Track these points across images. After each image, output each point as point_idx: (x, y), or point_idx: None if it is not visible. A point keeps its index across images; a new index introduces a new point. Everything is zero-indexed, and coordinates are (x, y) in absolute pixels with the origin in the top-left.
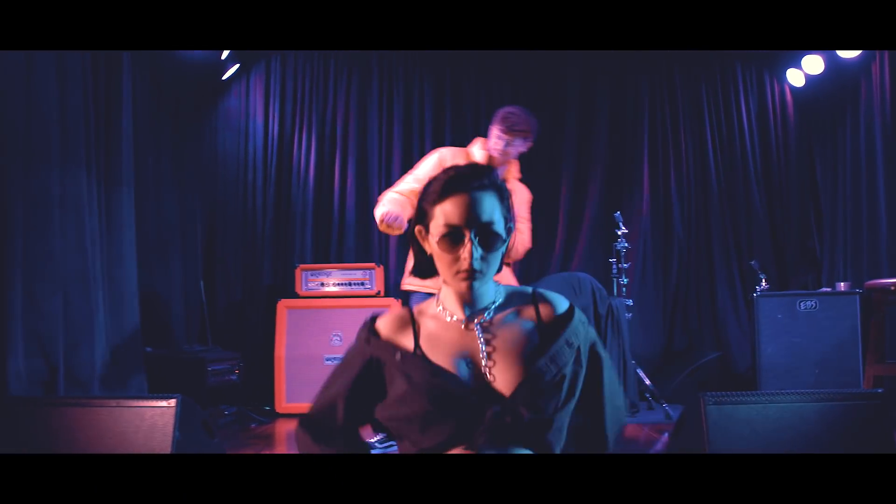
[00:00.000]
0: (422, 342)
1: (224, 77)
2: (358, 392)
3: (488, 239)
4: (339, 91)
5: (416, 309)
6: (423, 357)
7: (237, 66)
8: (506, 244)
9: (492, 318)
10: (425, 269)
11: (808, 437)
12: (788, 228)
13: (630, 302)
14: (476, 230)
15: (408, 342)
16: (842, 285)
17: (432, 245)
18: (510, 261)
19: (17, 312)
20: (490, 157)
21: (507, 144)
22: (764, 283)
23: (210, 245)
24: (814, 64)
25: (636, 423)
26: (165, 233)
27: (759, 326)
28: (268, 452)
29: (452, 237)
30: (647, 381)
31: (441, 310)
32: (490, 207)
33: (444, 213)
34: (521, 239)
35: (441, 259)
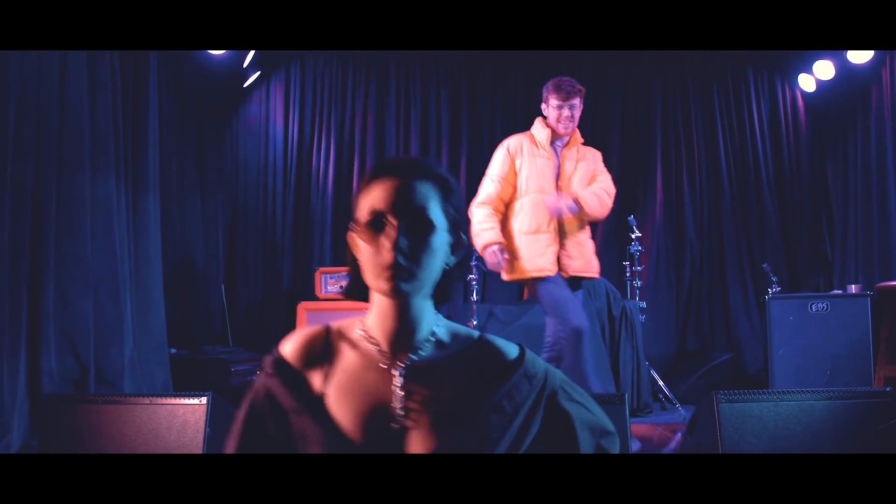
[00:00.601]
0: (331, 383)
1: (245, 84)
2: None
3: (418, 226)
4: (356, 97)
5: (335, 327)
6: (322, 413)
7: (258, 73)
8: (444, 242)
9: (422, 361)
10: (355, 285)
11: (818, 435)
12: (800, 231)
13: (643, 304)
14: (404, 217)
15: (317, 378)
16: (853, 287)
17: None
18: (600, 217)
19: (49, 313)
20: (553, 132)
21: (571, 109)
22: (776, 286)
23: (231, 249)
24: (824, 69)
25: (650, 423)
26: (188, 237)
27: (771, 328)
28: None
29: (374, 224)
30: (661, 382)
31: (362, 335)
32: (423, 195)
33: (370, 199)
34: (608, 186)
35: (364, 255)
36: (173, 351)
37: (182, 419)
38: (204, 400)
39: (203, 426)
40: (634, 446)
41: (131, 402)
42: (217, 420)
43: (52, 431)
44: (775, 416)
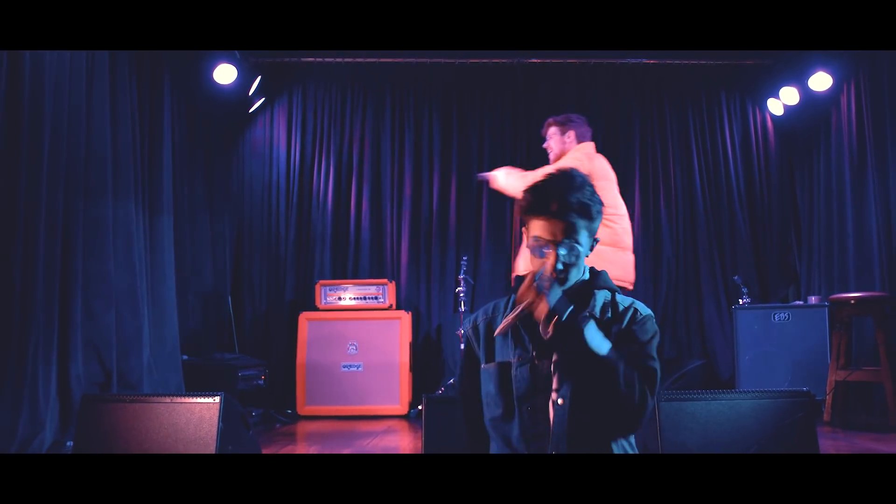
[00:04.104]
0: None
1: (250, 110)
2: None
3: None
4: (354, 121)
5: None
6: None
7: (262, 99)
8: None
9: None
10: None
11: (743, 429)
12: (769, 246)
13: None
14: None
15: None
16: (813, 299)
17: None
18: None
19: (77, 324)
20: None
21: (547, 140)
22: (746, 297)
23: (238, 263)
24: (790, 95)
25: None
26: (198, 253)
27: (738, 337)
28: (290, 449)
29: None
30: None
31: None
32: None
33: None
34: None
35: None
36: (185, 358)
37: (199, 415)
38: (217, 399)
39: (217, 421)
40: None
41: (154, 402)
42: (228, 416)
43: (86, 426)
44: (707, 413)
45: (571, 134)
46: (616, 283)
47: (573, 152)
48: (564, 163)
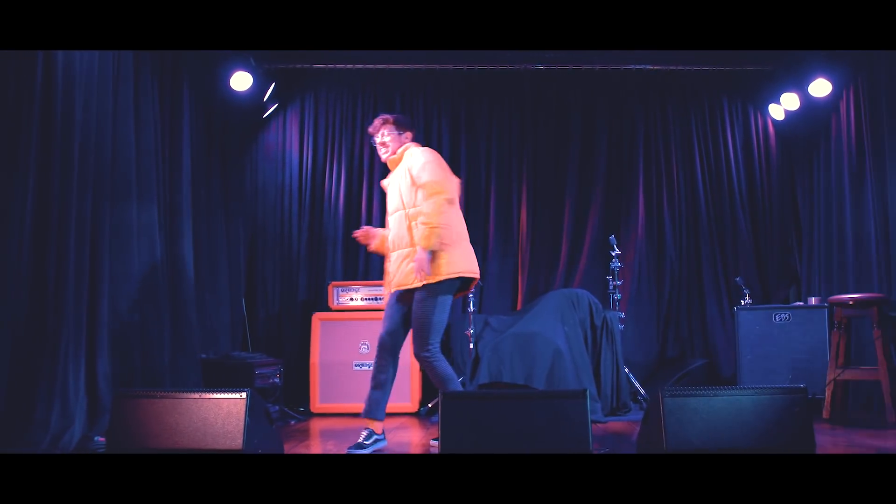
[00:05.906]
0: None
1: (264, 115)
2: None
3: None
4: (365, 125)
5: None
6: None
7: (276, 104)
8: None
9: None
10: None
11: (743, 423)
12: (771, 248)
13: (622, 315)
14: None
15: None
16: (813, 300)
17: None
18: (432, 243)
19: (104, 324)
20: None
21: (381, 137)
22: (748, 298)
23: (252, 265)
24: (791, 101)
25: (628, 421)
26: (214, 254)
27: (739, 337)
28: (306, 445)
29: None
30: (637, 385)
31: None
32: None
33: None
34: (425, 210)
35: None
36: (203, 356)
37: (226, 410)
38: (244, 395)
39: (244, 416)
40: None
41: (183, 397)
42: (254, 411)
43: (119, 420)
44: (709, 408)
45: (408, 134)
46: (468, 275)
47: (421, 153)
48: (421, 162)
